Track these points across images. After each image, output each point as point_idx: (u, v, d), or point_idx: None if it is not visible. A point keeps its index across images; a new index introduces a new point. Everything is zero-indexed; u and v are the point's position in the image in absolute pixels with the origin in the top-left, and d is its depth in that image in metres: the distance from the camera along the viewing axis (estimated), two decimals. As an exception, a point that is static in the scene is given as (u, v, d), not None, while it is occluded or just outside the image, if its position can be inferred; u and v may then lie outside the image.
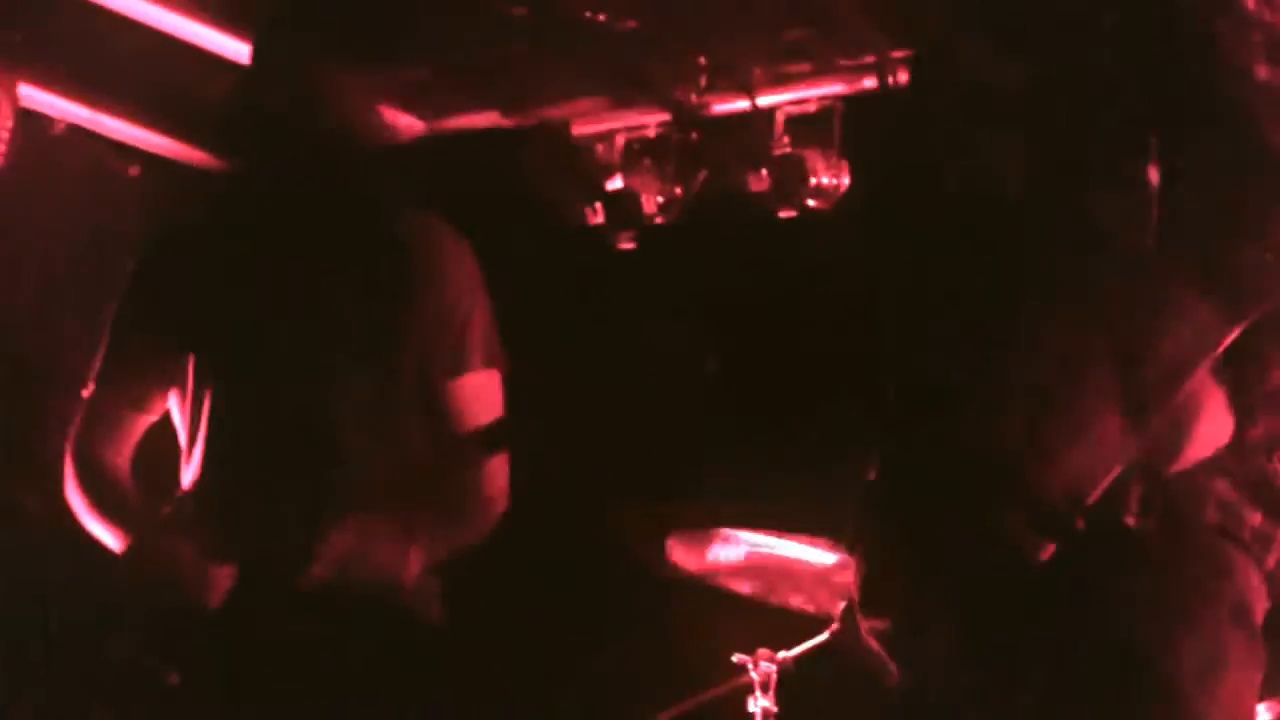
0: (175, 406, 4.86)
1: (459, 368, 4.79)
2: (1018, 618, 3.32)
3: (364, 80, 4.90)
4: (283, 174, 4.85)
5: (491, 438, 4.79)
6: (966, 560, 3.40)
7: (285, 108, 4.78)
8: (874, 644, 3.67)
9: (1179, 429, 3.28)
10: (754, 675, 6.22)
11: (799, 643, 6.30)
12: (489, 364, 4.83)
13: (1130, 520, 3.25)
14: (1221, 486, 3.33)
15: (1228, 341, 3.25)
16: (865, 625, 3.86)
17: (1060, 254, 3.34)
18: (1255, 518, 3.36)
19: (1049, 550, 3.20)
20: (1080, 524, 3.20)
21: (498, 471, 4.76)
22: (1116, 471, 3.20)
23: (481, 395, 4.83)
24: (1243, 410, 3.38)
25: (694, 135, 7.69)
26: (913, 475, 3.50)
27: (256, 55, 4.97)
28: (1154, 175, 3.22)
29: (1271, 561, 3.33)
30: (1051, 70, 3.40)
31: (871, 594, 3.65)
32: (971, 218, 3.47)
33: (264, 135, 4.86)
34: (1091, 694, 3.28)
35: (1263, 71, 3.24)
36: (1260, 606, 3.35)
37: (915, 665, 3.53)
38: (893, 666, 3.57)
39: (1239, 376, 3.33)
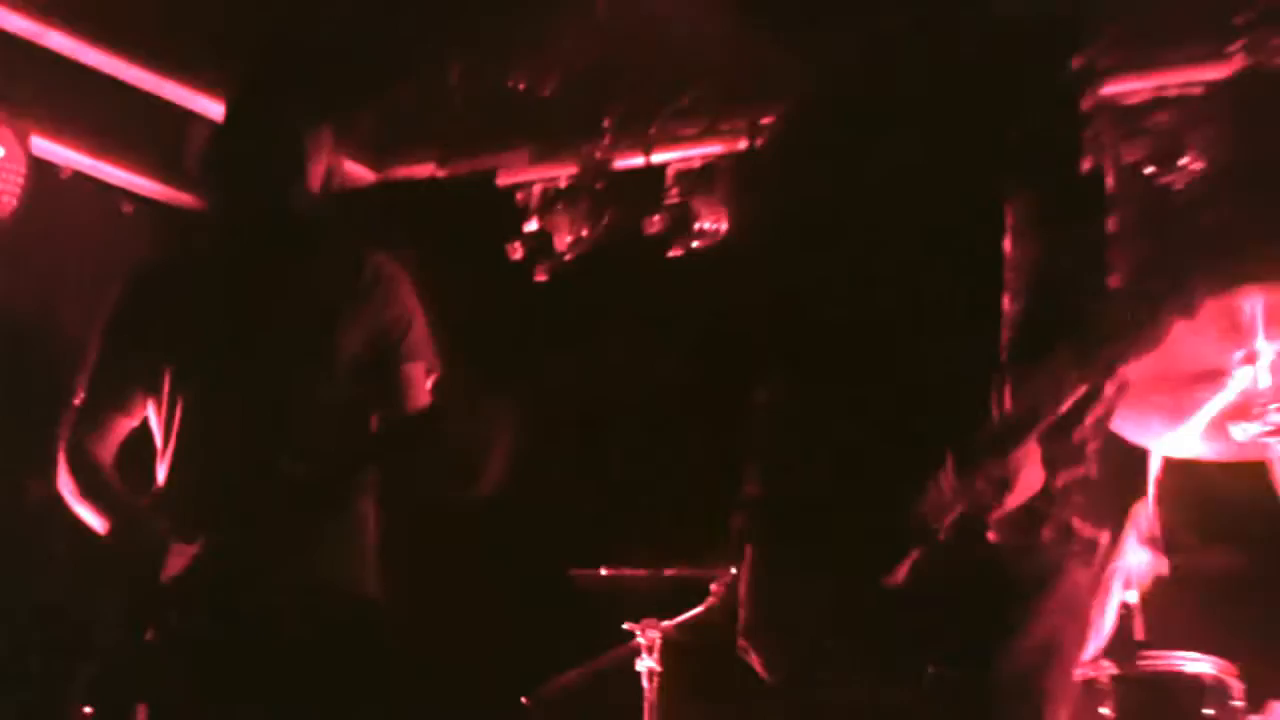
0: (153, 413, 5.20)
1: (401, 360, 5.15)
2: (882, 624, 3.72)
3: (324, 137, 5.23)
4: (252, 213, 5.20)
5: (425, 419, 5.03)
6: (830, 580, 3.79)
7: (256, 158, 5.13)
8: (751, 657, 3.98)
9: (1010, 477, 3.64)
10: (641, 640, 6.61)
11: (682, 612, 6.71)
12: (424, 360, 5.18)
13: (990, 535, 3.65)
14: (1064, 492, 3.74)
15: (1074, 396, 3.73)
16: (742, 636, 4.04)
17: (917, 312, 3.80)
18: (1086, 529, 3.82)
19: (903, 570, 3.63)
20: (933, 541, 3.67)
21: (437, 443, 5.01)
22: (960, 508, 3.61)
23: (418, 383, 5.17)
24: (1050, 464, 3.82)
25: (599, 185, 8.12)
26: (789, 507, 3.95)
27: (232, 113, 5.33)
28: (1007, 243, 3.70)
29: (1096, 565, 3.89)
30: (903, 144, 3.85)
31: (750, 612, 4.00)
32: (832, 270, 3.96)
33: (238, 180, 5.20)
34: (955, 677, 3.70)
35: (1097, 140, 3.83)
36: (1090, 600, 4.00)
37: (786, 665, 3.90)
38: (761, 666, 3.97)
39: (1049, 435, 3.73)
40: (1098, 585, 4.28)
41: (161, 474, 5.17)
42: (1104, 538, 3.85)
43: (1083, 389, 3.67)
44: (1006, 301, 3.68)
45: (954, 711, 3.75)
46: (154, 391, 5.21)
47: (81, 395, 5.26)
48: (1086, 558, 3.83)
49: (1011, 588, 3.75)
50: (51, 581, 5.83)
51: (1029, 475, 3.62)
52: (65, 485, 5.15)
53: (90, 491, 5.11)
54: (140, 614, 4.91)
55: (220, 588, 4.89)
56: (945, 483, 3.57)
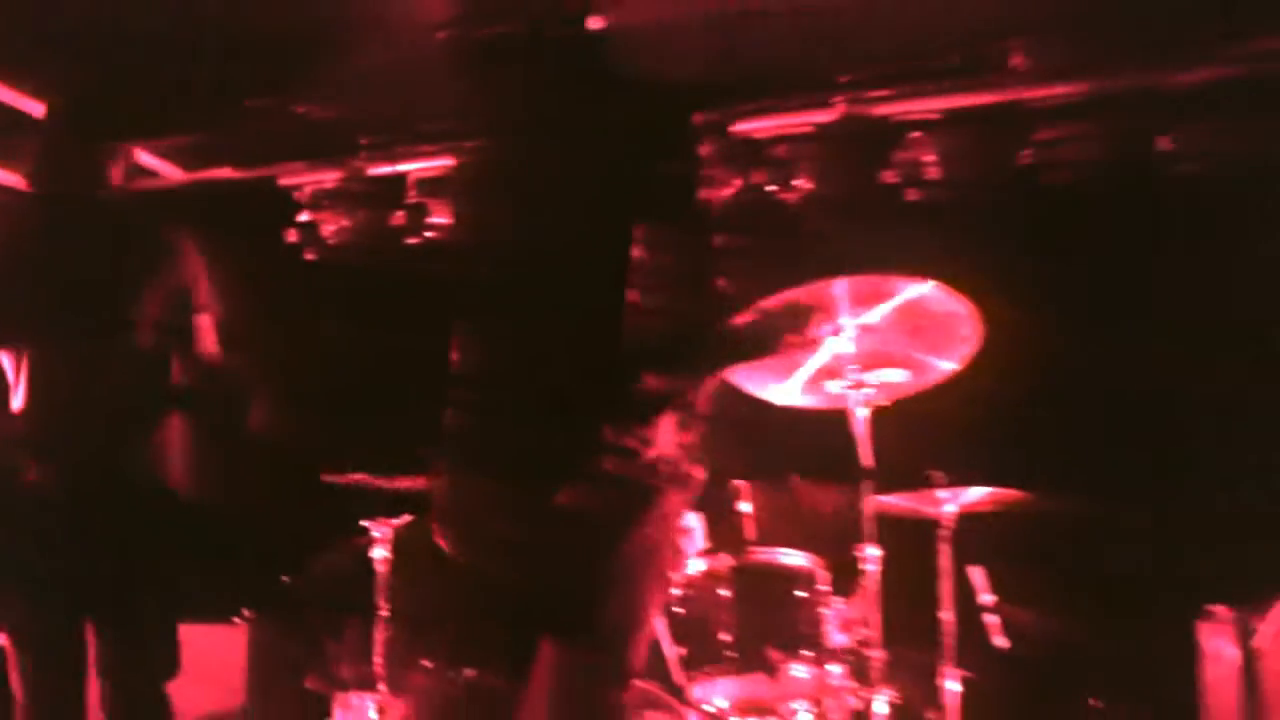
0: (6, 360, 5.70)
1: (191, 313, 5.68)
2: (543, 522, 4.17)
3: (133, 143, 5.93)
4: (75, 202, 5.72)
5: (211, 360, 5.63)
6: (499, 489, 4.30)
7: (78, 159, 5.73)
8: (442, 543, 4.37)
9: (653, 437, 4.14)
10: (376, 534, 7.19)
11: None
12: (210, 313, 5.71)
13: (627, 473, 4.12)
14: (668, 450, 4.20)
15: (703, 380, 4.31)
16: (438, 530, 4.41)
17: (573, 298, 4.21)
18: (688, 466, 4.34)
19: (568, 494, 4.12)
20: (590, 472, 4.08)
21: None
22: (615, 447, 4.05)
23: (206, 331, 5.70)
24: (682, 425, 4.30)
25: (357, 188, 8.97)
26: (472, 435, 4.40)
27: (53, 116, 5.90)
28: (636, 252, 4.08)
29: (689, 490, 4.38)
30: (562, 170, 4.30)
31: (442, 509, 4.41)
32: (516, 257, 4.38)
33: (58, 175, 5.75)
34: (600, 558, 4.18)
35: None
36: (681, 514, 4.45)
37: (467, 551, 4.35)
38: (454, 555, 4.34)
39: (681, 404, 4.24)
40: (687, 504, 4.47)
41: (16, 404, 5.63)
42: (699, 472, 4.36)
43: (707, 371, 4.26)
44: (642, 299, 4.12)
45: (595, 579, 4.20)
46: (5, 344, 5.69)
47: None
48: (683, 485, 4.33)
49: (633, 502, 4.23)
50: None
51: (665, 434, 4.15)
52: None
53: (29, 408, 5.64)
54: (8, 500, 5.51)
55: (56, 484, 5.50)
56: (606, 436, 4.07)
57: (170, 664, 5.55)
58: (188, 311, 5.62)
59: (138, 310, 5.58)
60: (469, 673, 4.11)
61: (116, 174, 5.72)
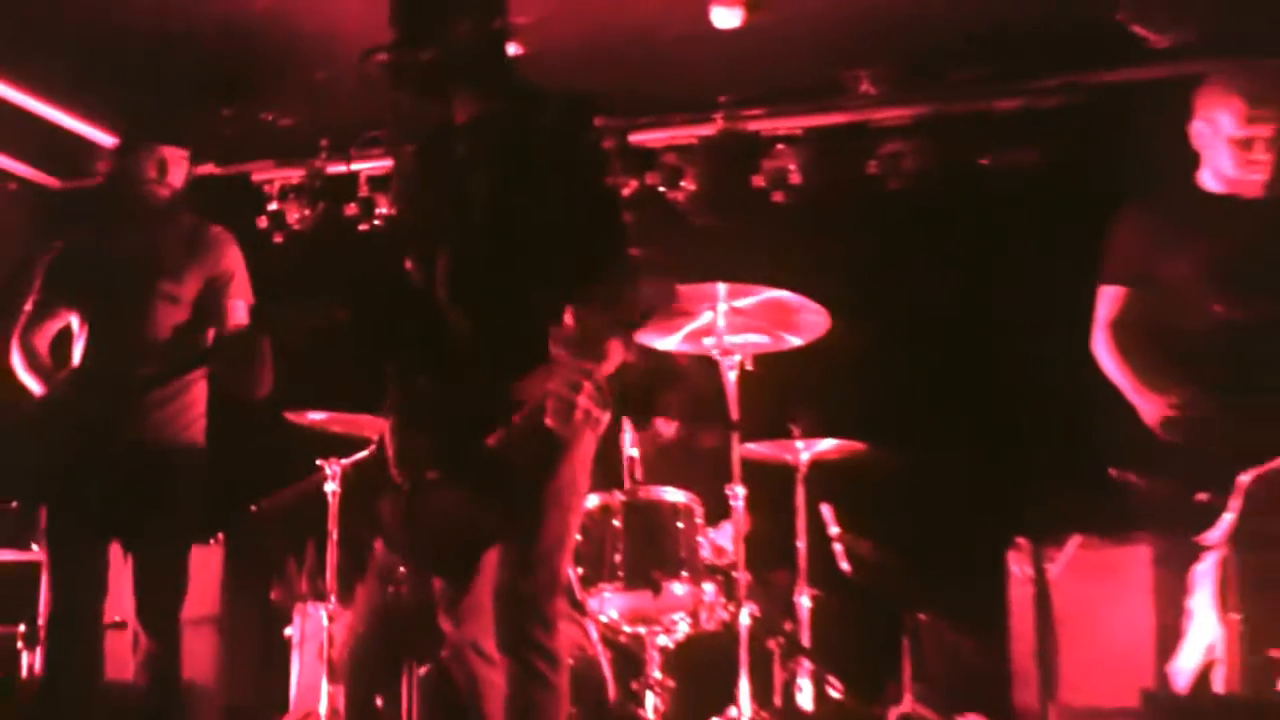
0: (74, 319, 5.75)
1: (226, 297, 5.76)
2: (475, 459, 4.18)
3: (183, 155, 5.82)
4: (136, 200, 5.75)
5: (239, 336, 5.55)
6: (437, 430, 4.28)
7: (139, 168, 5.73)
8: (396, 477, 4.31)
9: (602, 361, 4.05)
10: (329, 470, 7.14)
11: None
12: (242, 298, 5.79)
13: (549, 421, 4.05)
14: (582, 400, 4.09)
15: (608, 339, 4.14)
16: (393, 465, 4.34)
17: (505, 264, 4.20)
18: (597, 411, 4.19)
19: (498, 435, 4.11)
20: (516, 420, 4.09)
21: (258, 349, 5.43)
22: (536, 399, 4.02)
23: (237, 313, 5.73)
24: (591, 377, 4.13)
25: (318, 183, 8.92)
26: (412, 384, 4.41)
27: (125, 138, 5.86)
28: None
29: (599, 433, 4.35)
30: (486, 167, 4.27)
31: (396, 449, 4.37)
32: (449, 238, 4.36)
33: (125, 183, 5.76)
34: (531, 496, 4.22)
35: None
36: (591, 454, 4.40)
37: (411, 480, 4.29)
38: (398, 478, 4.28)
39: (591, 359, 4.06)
40: (595, 447, 4.42)
41: (76, 358, 5.70)
42: (606, 417, 4.27)
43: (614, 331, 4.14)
44: (559, 266, 4.12)
45: (526, 513, 4.24)
46: (73, 306, 5.76)
47: (29, 306, 5.79)
48: (595, 429, 4.29)
49: (555, 445, 4.23)
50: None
51: (581, 384, 4.07)
52: (17, 362, 5.74)
53: (31, 365, 5.75)
54: (50, 441, 5.56)
55: (103, 430, 5.46)
56: (533, 386, 4.04)
57: (181, 585, 5.66)
58: (223, 293, 5.74)
59: (179, 288, 5.70)
60: (398, 587, 4.10)
61: (174, 181, 5.78)
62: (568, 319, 4.03)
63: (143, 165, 5.69)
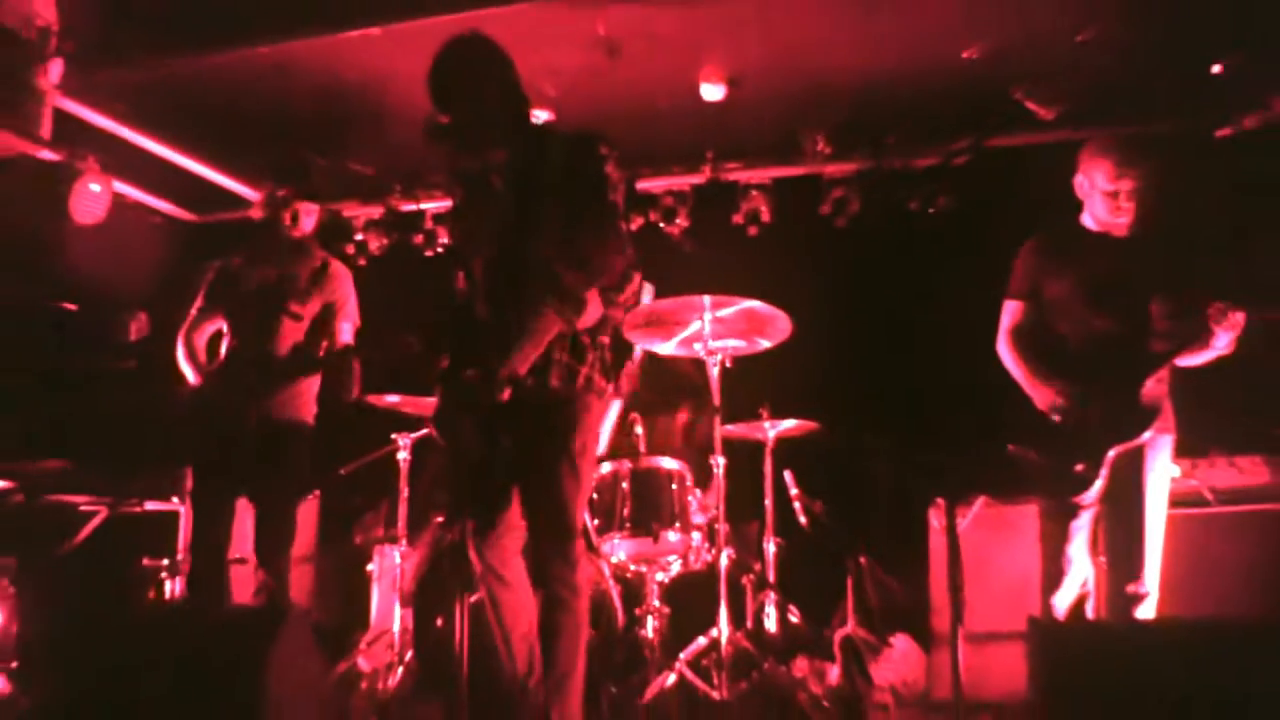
0: (224, 324, 5.82)
1: (338, 319, 5.83)
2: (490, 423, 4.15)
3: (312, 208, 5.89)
4: (276, 238, 5.85)
5: (345, 350, 5.57)
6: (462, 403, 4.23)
7: (280, 224, 5.81)
8: (439, 439, 4.28)
9: (583, 311, 4.03)
10: (401, 442, 6.93)
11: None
12: (351, 321, 5.85)
13: (554, 384, 4.10)
14: (583, 370, 4.16)
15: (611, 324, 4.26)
16: (434, 429, 4.32)
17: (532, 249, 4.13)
18: (601, 383, 4.26)
19: (505, 394, 4.06)
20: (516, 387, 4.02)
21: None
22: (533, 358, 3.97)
23: (346, 333, 5.82)
24: (598, 355, 4.23)
25: (393, 218, 8.80)
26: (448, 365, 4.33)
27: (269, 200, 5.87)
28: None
29: (606, 401, 4.41)
30: (524, 191, 4.25)
31: (438, 416, 4.31)
32: (494, 258, 4.30)
33: (274, 224, 5.83)
34: (550, 460, 4.14)
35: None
36: (601, 419, 4.34)
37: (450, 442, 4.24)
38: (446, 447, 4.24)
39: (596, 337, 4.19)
40: (605, 411, 4.45)
41: (223, 352, 5.74)
42: (611, 388, 4.35)
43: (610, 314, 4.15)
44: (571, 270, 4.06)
45: (545, 475, 4.20)
46: (224, 314, 5.83)
47: (192, 312, 5.83)
48: (601, 396, 4.31)
49: (564, 411, 4.23)
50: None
51: (589, 362, 4.12)
52: (180, 355, 5.77)
53: (191, 359, 5.82)
54: (199, 418, 5.63)
55: (235, 409, 5.56)
56: (548, 363, 4.04)
57: (291, 531, 5.72)
58: (334, 315, 5.83)
59: (303, 309, 5.78)
60: (453, 534, 4.09)
61: (288, 218, 5.91)
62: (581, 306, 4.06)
63: (283, 213, 5.78)
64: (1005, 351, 5.08)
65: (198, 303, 5.82)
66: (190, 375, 5.71)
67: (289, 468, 5.65)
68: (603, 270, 4.10)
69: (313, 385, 5.73)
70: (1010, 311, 5.10)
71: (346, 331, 5.73)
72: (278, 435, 5.57)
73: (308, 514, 7.75)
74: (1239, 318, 4.53)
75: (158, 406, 5.87)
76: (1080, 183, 4.99)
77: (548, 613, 4.22)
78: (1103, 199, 4.89)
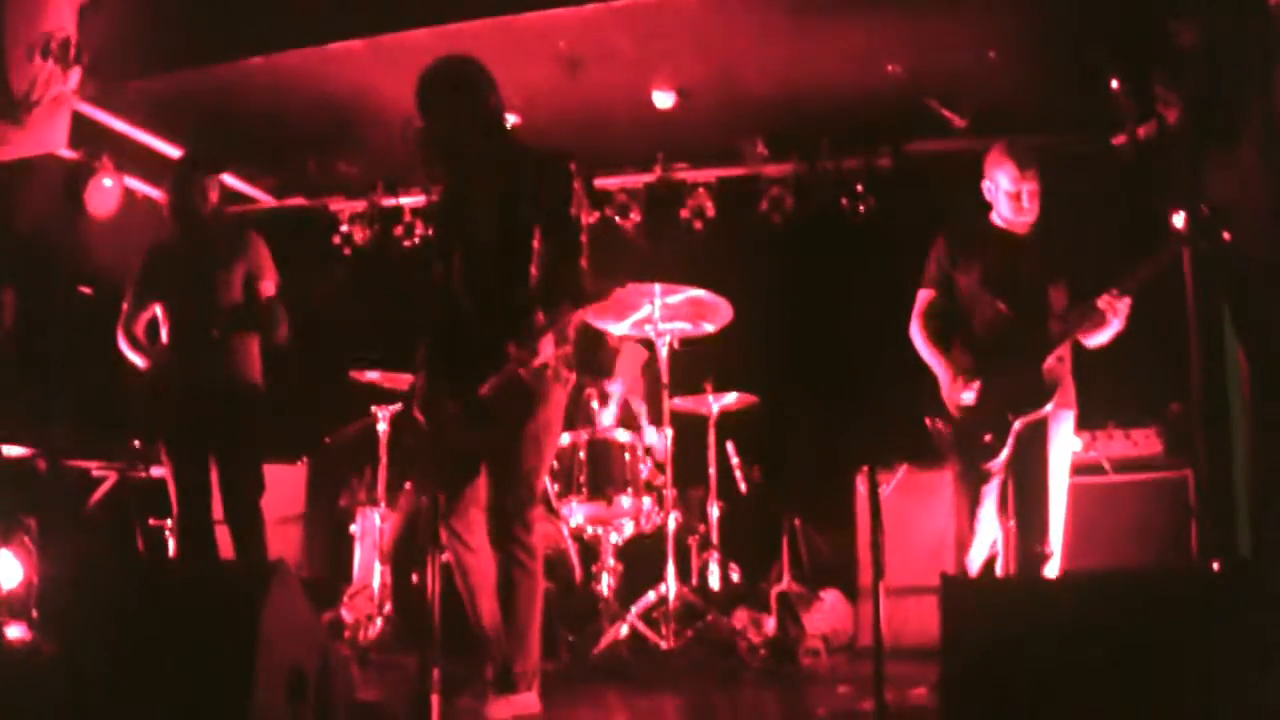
0: (159, 310, 5.58)
1: (261, 279, 5.56)
2: (475, 407, 4.10)
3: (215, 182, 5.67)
4: (189, 218, 5.58)
5: (268, 303, 5.50)
6: (452, 385, 4.14)
7: (190, 195, 5.54)
8: (418, 417, 4.21)
9: (538, 350, 4.01)
10: (380, 414, 6.90)
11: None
12: (271, 279, 5.60)
13: (523, 374, 4.04)
14: (557, 355, 4.11)
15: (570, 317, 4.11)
16: (415, 409, 4.27)
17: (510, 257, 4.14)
18: (565, 372, 4.31)
19: (487, 385, 4.05)
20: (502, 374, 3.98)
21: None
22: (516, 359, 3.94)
23: (268, 290, 5.60)
24: (559, 345, 4.17)
25: (375, 212, 8.70)
26: (439, 356, 4.26)
27: (178, 175, 5.62)
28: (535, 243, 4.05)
29: (568, 388, 4.36)
30: (493, 194, 4.23)
31: (418, 397, 4.26)
32: (468, 254, 4.31)
33: (185, 205, 5.59)
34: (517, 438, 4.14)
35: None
36: (563, 406, 4.30)
37: (433, 423, 4.20)
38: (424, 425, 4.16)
39: (559, 329, 4.12)
40: (565, 399, 4.36)
41: (164, 337, 5.54)
42: (573, 377, 4.30)
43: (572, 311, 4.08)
44: (538, 268, 4.09)
45: (511, 452, 4.17)
46: (158, 299, 5.58)
47: (126, 303, 5.62)
48: (565, 386, 4.28)
49: (532, 396, 4.19)
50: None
51: (545, 348, 4.06)
52: (124, 347, 5.57)
53: (135, 347, 5.61)
54: (158, 395, 5.44)
55: (187, 379, 5.36)
56: (512, 351, 3.98)
57: (259, 484, 5.51)
58: (258, 276, 5.60)
59: (230, 278, 5.57)
60: (425, 499, 4.08)
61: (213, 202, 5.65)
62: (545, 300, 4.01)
63: (192, 190, 5.56)
64: (916, 333, 5.03)
65: (129, 297, 5.61)
66: (139, 361, 5.53)
67: (250, 428, 5.47)
68: (578, 289, 4.11)
69: (253, 346, 5.56)
70: (922, 299, 5.06)
71: (269, 287, 5.53)
72: (232, 396, 5.41)
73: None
74: (1126, 304, 4.56)
75: (126, 384, 5.78)
76: (987, 186, 4.96)
77: (505, 572, 4.21)
78: (1007, 199, 4.85)
